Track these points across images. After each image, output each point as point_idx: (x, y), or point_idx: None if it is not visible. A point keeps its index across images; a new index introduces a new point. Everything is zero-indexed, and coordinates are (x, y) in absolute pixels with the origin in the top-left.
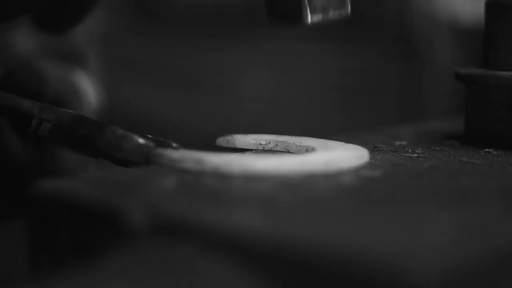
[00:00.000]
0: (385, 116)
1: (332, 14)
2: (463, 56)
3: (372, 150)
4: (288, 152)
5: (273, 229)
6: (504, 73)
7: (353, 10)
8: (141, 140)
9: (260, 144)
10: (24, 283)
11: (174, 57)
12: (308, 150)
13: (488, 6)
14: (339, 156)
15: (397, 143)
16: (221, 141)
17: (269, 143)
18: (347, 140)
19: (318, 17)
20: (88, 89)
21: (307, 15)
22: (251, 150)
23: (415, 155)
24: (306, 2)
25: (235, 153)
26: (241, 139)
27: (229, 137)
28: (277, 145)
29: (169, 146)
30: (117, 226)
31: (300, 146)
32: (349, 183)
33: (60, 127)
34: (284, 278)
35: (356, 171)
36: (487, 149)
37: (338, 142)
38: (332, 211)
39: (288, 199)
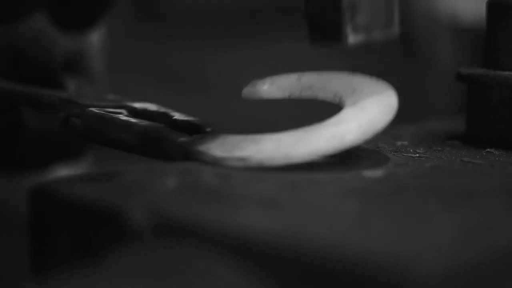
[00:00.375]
0: None
1: (377, 34)
2: (464, 56)
3: (373, 150)
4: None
5: (275, 229)
6: (506, 73)
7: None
8: (180, 139)
9: (287, 94)
10: (25, 284)
11: (177, 58)
12: (336, 96)
13: (490, 6)
14: (373, 118)
15: (399, 143)
16: (247, 92)
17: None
18: None
19: (360, 37)
20: (96, 55)
21: (348, 34)
22: (278, 99)
23: (417, 155)
24: (347, 19)
25: (271, 138)
26: (266, 90)
27: (253, 89)
28: (303, 92)
29: (202, 131)
30: (119, 226)
31: (328, 91)
32: (350, 183)
33: (91, 129)
34: (286, 278)
35: (357, 171)
36: (488, 149)
37: (363, 82)
38: (334, 212)
39: (290, 198)
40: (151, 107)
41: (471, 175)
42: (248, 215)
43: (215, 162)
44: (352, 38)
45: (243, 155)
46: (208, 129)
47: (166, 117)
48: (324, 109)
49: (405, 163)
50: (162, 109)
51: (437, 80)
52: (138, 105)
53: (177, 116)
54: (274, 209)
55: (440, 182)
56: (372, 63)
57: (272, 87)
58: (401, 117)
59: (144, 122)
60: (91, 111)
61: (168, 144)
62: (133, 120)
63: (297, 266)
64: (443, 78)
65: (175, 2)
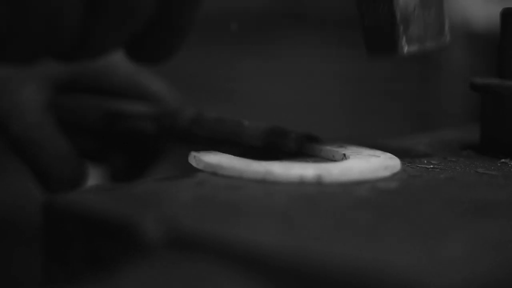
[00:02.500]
0: (399, 122)
1: (430, 44)
2: (477, 61)
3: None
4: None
5: (288, 245)
6: None
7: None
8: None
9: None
10: None
11: (188, 63)
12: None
13: (504, 16)
14: (376, 165)
15: (413, 153)
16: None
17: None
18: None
19: (414, 48)
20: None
21: (403, 45)
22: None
23: (431, 166)
24: (401, 31)
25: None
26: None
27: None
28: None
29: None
30: (132, 239)
31: (337, 152)
32: (365, 195)
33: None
34: None
35: (372, 183)
36: (503, 160)
37: (367, 149)
38: (348, 225)
39: (303, 212)
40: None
41: (486, 187)
42: (261, 229)
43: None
44: (407, 49)
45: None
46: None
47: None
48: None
49: (419, 174)
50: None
51: (451, 85)
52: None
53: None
54: (287, 223)
55: (455, 194)
56: (386, 68)
57: None
58: (414, 123)
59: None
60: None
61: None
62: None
63: (311, 280)
64: (456, 83)
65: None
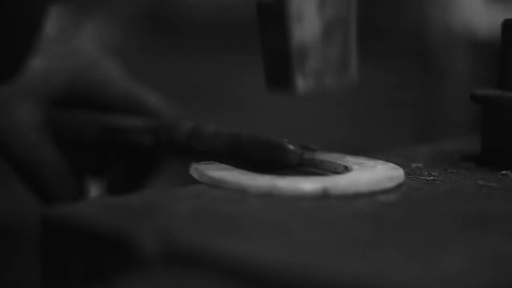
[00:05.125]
0: (401, 131)
1: (331, 81)
2: (480, 70)
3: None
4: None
5: (286, 260)
6: None
7: (371, 23)
8: (290, 147)
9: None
10: None
11: (190, 71)
12: (348, 169)
13: (505, 27)
14: (381, 176)
15: (413, 165)
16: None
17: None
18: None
19: (310, 84)
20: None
21: (297, 82)
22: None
23: (431, 178)
24: (296, 66)
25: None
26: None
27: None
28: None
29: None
30: (128, 253)
31: (339, 165)
32: (364, 208)
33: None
34: None
35: (377, 195)
36: (504, 171)
37: (372, 160)
38: (347, 239)
39: (303, 226)
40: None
41: (486, 199)
42: (260, 244)
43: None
44: (302, 86)
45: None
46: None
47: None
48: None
49: (419, 186)
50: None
51: (453, 93)
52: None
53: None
54: (286, 237)
55: (454, 207)
56: (388, 76)
57: None
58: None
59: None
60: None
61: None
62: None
63: None
64: (459, 91)
65: (190, 17)
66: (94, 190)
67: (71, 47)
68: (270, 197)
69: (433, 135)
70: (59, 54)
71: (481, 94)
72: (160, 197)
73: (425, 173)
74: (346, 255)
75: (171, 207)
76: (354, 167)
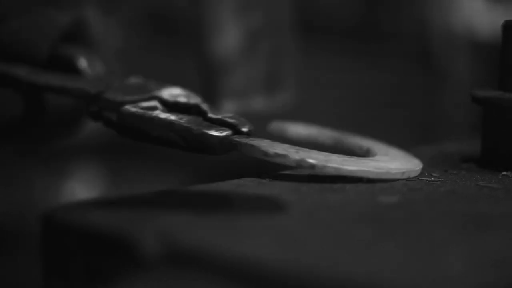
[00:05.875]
0: (402, 132)
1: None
2: (481, 70)
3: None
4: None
5: (286, 260)
6: None
7: (372, 24)
8: (222, 134)
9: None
10: None
11: (190, 70)
12: (370, 152)
13: (505, 28)
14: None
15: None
16: (273, 128)
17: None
18: None
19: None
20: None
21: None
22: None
23: (432, 179)
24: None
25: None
26: (295, 130)
27: (282, 126)
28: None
29: (238, 132)
30: (130, 253)
31: (362, 147)
32: (364, 209)
33: (130, 128)
34: None
35: (372, 196)
36: (504, 173)
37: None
38: (347, 240)
39: (302, 226)
40: (181, 98)
41: (487, 200)
42: (261, 245)
43: (262, 156)
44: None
45: (299, 157)
46: (245, 130)
47: (199, 111)
48: None
49: (419, 187)
50: (192, 100)
51: (454, 94)
52: (166, 94)
53: (211, 114)
54: (286, 237)
55: (455, 208)
56: (389, 77)
57: (302, 130)
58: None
59: (184, 119)
60: (128, 110)
61: (212, 139)
62: (173, 117)
63: None
64: (460, 92)
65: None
66: (85, 192)
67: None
68: (271, 197)
69: (434, 136)
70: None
71: (482, 95)
72: (162, 197)
73: (426, 174)
74: (345, 256)
75: (172, 208)
76: (379, 152)
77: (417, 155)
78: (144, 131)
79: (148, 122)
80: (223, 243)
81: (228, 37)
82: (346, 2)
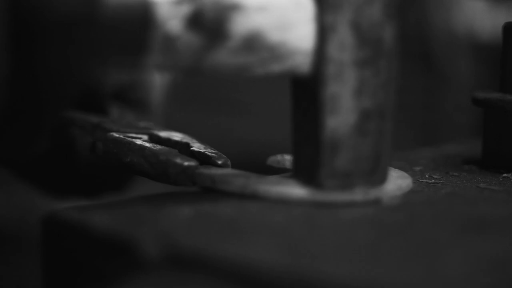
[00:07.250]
0: (404, 133)
1: (360, 182)
2: (482, 72)
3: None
4: None
5: (286, 264)
6: None
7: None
8: (185, 163)
9: None
10: None
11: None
12: None
13: (506, 30)
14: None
15: (416, 168)
16: (272, 161)
17: None
18: None
19: (336, 184)
20: (154, 89)
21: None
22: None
23: (433, 181)
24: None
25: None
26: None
27: (280, 157)
28: None
29: (214, 164)
30: (131, 256)
31: None
32: (365, 212)
33: (109, 153)
34: None
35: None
36: (505, 175)
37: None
38: (348, 244)
39: (302, 229)
40: (176, 136)
41: (487, 202)
42: (261, 248)
43: (214, 186)
44: (328, 185)
45: (244, 182)
46: (220, 162)
47: (186, 147)
48: None
49: (421, 190)
50: (186, 139)
51: (455, 96)
52: (163, 133)
53: (196, 147)
54: (286, 240)
55: (455, 210)
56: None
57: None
58: (422, 134)
59: (158, 147)
60: (111, 135)
61: (174, 168)
62: (147, 144)
63: None
64: (461, 94)
65: None
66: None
67: None
68: (271, 201)
69: (435, 139)
70: None
71: (483, 97)
72: (162, 200)
73: (427, 176)
74: (346, 259)
75: (173, 210)
76: None
77: (418, 157)
78: (118, 156)
79: (124, 146)
80: (223, 245)
81: (344, 114)
82: None
